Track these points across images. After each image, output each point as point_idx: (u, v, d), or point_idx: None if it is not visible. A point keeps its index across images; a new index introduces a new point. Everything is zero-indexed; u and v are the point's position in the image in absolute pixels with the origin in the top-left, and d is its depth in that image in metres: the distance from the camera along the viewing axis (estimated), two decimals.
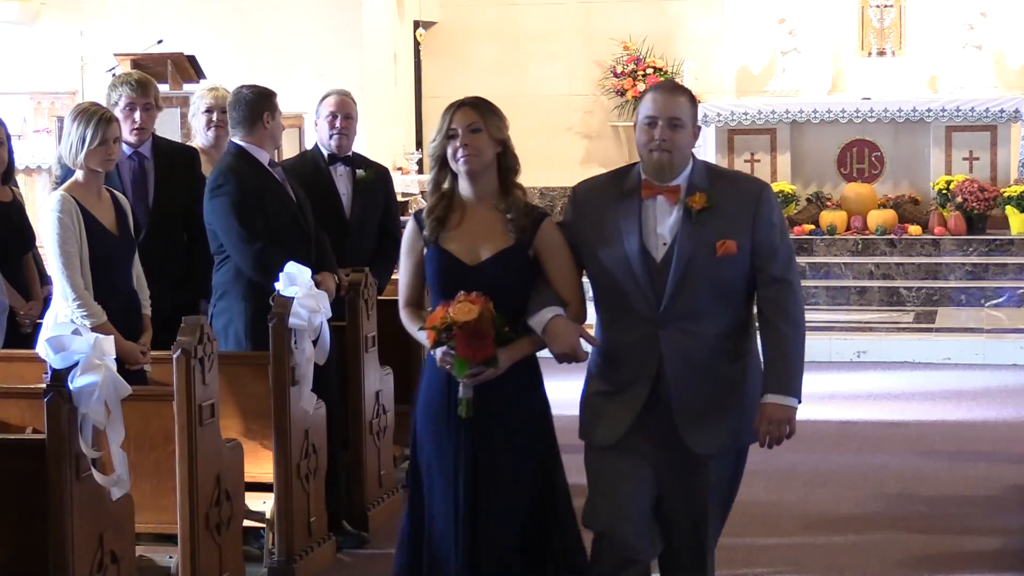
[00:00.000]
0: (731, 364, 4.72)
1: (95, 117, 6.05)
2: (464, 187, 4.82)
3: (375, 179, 7.56)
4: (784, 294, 4.68)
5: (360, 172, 7.52)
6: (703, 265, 4.62)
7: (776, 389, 4.67)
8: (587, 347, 4.82)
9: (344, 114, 7.48)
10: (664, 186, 4.67)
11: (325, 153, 7.51)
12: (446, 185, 4.84)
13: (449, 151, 4.80)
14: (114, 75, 7.20)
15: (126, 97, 6.95)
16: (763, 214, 4.67)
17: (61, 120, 12.10)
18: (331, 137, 7.45)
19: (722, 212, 4.65)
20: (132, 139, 6.97)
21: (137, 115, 6.95)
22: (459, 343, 4.58)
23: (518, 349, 4.71)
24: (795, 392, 4.68)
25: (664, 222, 4.67)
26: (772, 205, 4.74)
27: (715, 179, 4.73)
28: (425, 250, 4.83)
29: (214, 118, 7.49)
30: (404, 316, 4.93)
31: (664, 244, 4.67)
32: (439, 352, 4.65)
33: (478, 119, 4.79)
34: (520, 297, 4.74)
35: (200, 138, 7.63)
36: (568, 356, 4.67)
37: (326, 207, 7.24)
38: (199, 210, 6.75)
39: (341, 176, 7.51)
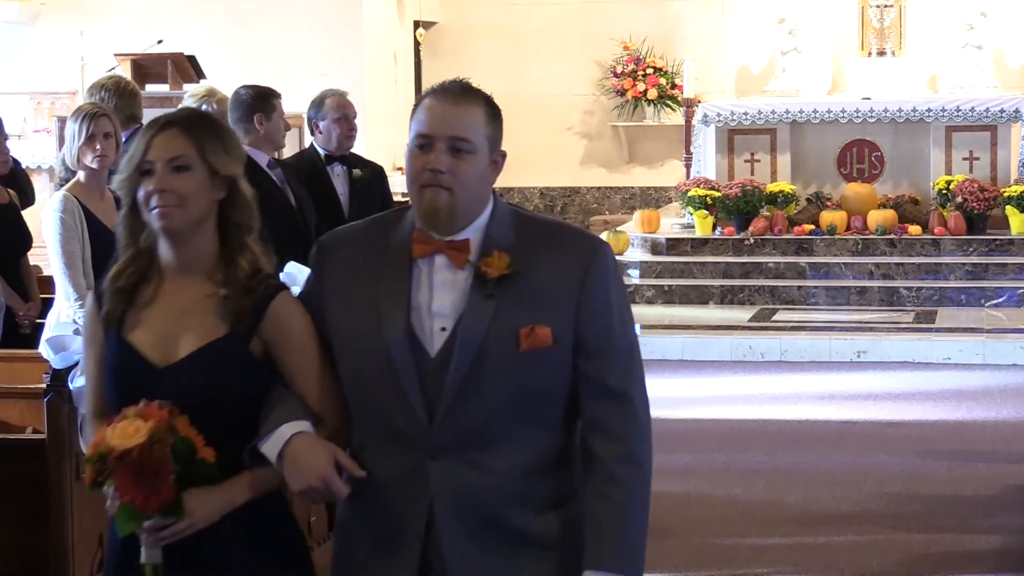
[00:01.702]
0: (539, 516, 3.15)
1: (83, 113, 6.12)
2: (164, 250, 3.22)
3: (372, 178, 7.60)
4: (621, 417, 3.13)
5: (357, 172, 7.56)
6: (500, 364, 3.08)
7: (599, 563, 3.10)
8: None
9: (352, 114, 7.57)
10: (446, 241, 3.11)
11: (322, 153, 7.55)
12: (144, 239, 3.23)
13: (140, 194, 3.17)
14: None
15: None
16: (596, 288, 3.13)
17: (61, 120, 12.11)
18: (346, 138, 7.50)
19: (533, 283, 3.10)
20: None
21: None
22: (119, 481, 3.05)
23: (233, 490, 3.15)
24: (630, 568, 3.11)
25: (443, 296, 3.12)
26: (609, 274, 3.17)
27: (526, 232, 3.16)
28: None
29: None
30: (88, 435, 3.42)
31: (442, 330, 3.11)
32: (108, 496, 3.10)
33: (187, 149, 3.16)
34: (242, 411, 3.17)
35: None
36: (316, 493, 3.11)
37: (324, 207, 7.27)
38: None
39: (338, 176, 7.55)
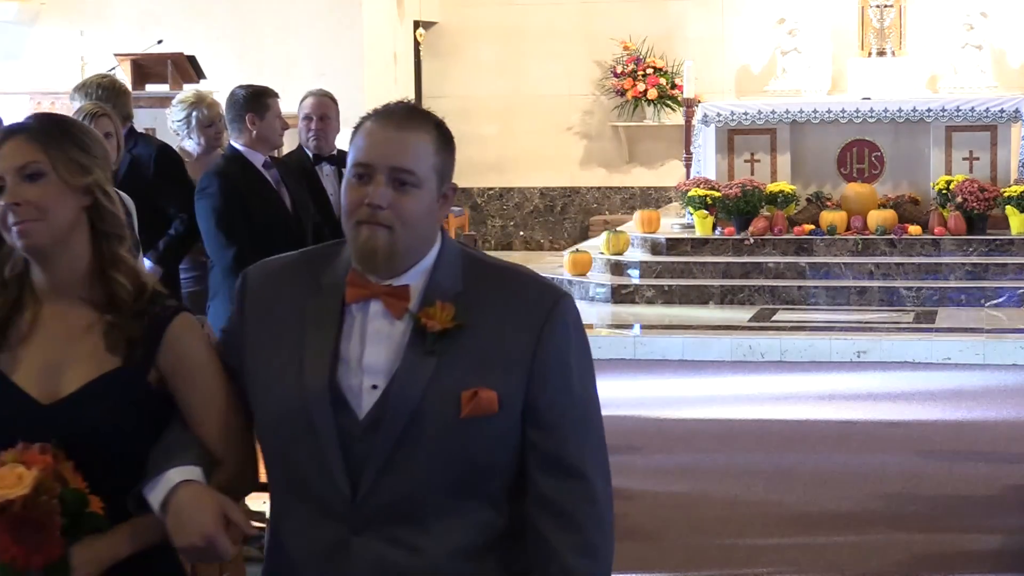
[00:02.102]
0: None
1: (84, 113, 6.12)
2: (35, 272, 2.85)
3: None
4: (577, 499, 2.72)
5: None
6: (438, 430, 2.66)
7: None
8: None
9: (319, 115, 7.55)
10: (384, 286, 2.70)
11: (310, 154, 7.57)
12: (10, 268, 2.86)
13: None
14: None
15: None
16: (553, 348, 2.70)
17: None
18: (312, 138, 7.54)
19: (481, 339, 2.68)
20: None
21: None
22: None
23: (118, 541, 2.75)
24: None
25: (377, 349, 2.69)
26: (570, 332, 2.74)
27: (477, 278, 2.74)
28: None
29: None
30: None
31: (373, 388, 2.68)
32: None
33: (37, 155, 2.78)
34: (135, 451, 2.78)
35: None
36: (199, 553, 2.70)
37: (314, 207, 7.27)
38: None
39: (328, 176, 7.56)
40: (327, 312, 2.72)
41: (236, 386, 2.81)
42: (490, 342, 2.69)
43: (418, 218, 2.69)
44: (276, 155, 7.35)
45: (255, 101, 6.70)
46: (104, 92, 7.21)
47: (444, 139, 2.74)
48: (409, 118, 2.72)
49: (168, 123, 7.85)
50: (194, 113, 7.56)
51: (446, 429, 2.65)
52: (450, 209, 2.81)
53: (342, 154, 7.70)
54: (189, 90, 8.32)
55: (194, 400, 2.81)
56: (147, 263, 6.81)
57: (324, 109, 7.55)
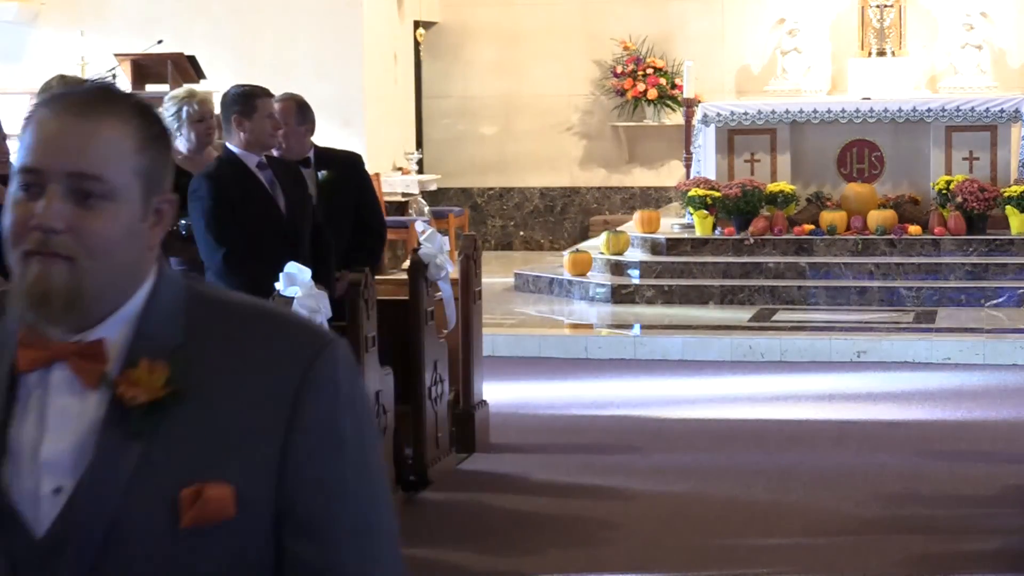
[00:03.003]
0: None
1: None
2: None
3: (337, 177, 7.55)
4: None
5: (322, 173, 7.51)
6: (149, 547, 1.84)
7: None
8: None
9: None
10: (69, 343, 1.87)
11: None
12: None
13: None
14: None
15: None
16: (316, 418, 1.88)
17: None
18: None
19: (208, 412, 1.86)
20: None
21: None
22: None
23: None
24: None
25: (61, 435, 1.86)
26: (340, 393, 1.90)
27: (207, 325, 1.91)
28: None
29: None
30: None
31: (56, 491, 1.85)
32: None
33: None
34: None
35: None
36: None
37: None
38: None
39: (306, 179, 7.52)
40: None
41: None
42: (223, 416, 1.86)
43: (112, 244, 1.86)
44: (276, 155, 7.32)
45: (243, 102, 6.67)
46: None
47: (150, 131, 1.91)
48: (94, 103, 1.88)
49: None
50: (184, 108, 7.54)
51: (161, 545, 1.83)
52: (165, 230, 1.95)
53: (321, 153, 7.66)
54: (184, 87, 8.32)
55: None
56: None
57: (283, 116, 7.36)
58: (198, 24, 15.48)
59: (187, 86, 8.17)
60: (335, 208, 7.46)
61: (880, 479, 7.76)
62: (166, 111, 7.63)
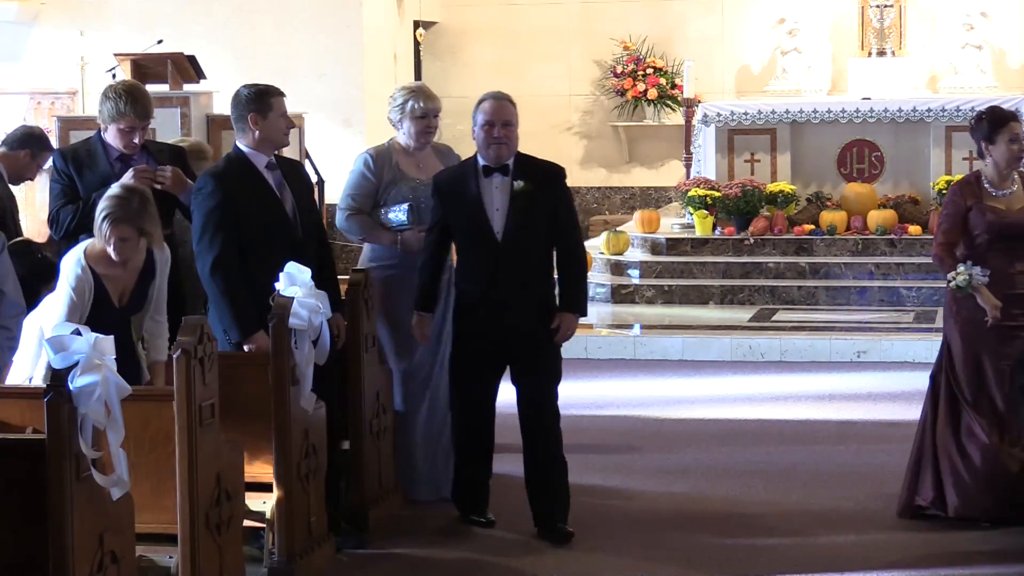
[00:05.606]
0: None
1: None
2: None
3: (534, 189, 6.86)
4: None
5: (518, 184, 6.88)
6: None
7: None
8: None
9: None
10: None
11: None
12: None
13: None
14: (115, 88, 7.11)
15: (127, 121, 6.95)
16: None
17: (61, 120, 12.12)
18: None
19: None
20: (125, 150, 7.03)
21: (136, 138, 7.00)
22: None
23: None
24: None
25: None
26: None
27: None
28: None
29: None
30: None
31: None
32: None
33: None
34: None
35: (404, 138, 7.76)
36: None
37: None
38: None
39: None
40: None
41: None
42: None
43: None
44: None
45: (258, 100, 6.60)
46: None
47: None
48: None
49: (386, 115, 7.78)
50: (410, 102, 7.60)
51: None
52: None
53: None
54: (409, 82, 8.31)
55: None
56: None
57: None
58: (198, 24, 15.48)
59: (418, 83, 8.12)
60: (531, 218, 6.83)
61: (880, 479, 7.76)
62: (392, 101, 7.69)
